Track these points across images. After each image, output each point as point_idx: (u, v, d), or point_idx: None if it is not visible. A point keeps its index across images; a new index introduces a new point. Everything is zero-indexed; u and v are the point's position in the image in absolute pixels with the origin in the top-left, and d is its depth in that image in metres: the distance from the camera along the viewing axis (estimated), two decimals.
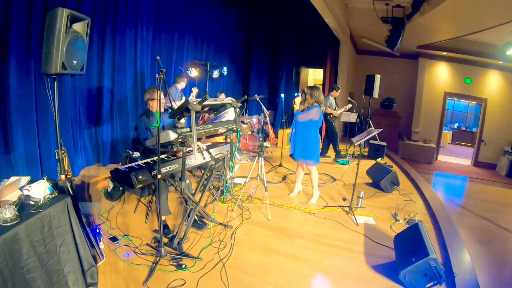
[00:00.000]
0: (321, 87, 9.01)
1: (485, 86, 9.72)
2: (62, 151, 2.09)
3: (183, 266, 2.28)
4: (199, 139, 2.85)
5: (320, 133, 7.88)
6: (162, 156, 2.48)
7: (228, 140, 2.96)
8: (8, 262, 1.46)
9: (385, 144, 6.26)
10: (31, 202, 1.78)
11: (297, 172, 3.95)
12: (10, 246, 1.50)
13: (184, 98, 4.82)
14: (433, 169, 9.88)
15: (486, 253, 3.39)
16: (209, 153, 2.75)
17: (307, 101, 3.49)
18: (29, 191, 1.85)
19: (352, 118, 6.49)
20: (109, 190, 3.41)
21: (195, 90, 5.03)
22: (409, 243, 2.47)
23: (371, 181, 4.65)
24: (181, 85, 4.97)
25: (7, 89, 3.06)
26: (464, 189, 7.84)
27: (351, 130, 9.32)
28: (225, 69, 7.24)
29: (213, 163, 2.77)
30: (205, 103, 2.30)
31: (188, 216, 2.63)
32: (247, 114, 7.73)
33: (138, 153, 3.06)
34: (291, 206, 3.62)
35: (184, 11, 5.67)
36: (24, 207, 1.73)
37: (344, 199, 3.94)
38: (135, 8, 4.57)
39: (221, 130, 2.73)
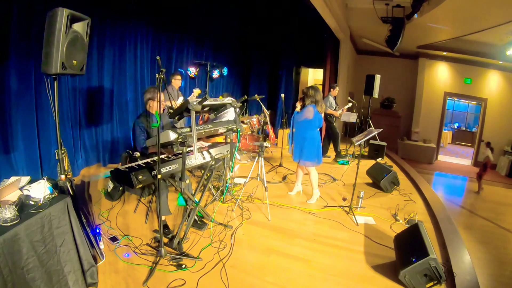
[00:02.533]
0: (321, 87, 9.00)
1: (485, 86, 9.73)
2: (62, 151, 2.09)
3: (183, 266, 2.28)
4: (199, 139, 2.85)
5: (320, 133, 7.91)
6: (162, 156, 2.48)
7: (228, 140, 2.96)
8: (8, 262, 1.46)
9: (385, 144, 6.25)
10: (31, 202, 1.78)
11: (297, 172, 3.95)
12: (10, 246, 1.50)
13: (182, 97, 4.80)
14: (433, 169, 9.89)
15: (486, 253, 3.40)
16: (209, 153, 2.75)
17: (304, 102, 3.50)
18: (29, 191, 1.85)
19: (352, 118, 6.49)
20: (109, 190, 3.41)
21: (196, 91, 4.99)
22: (409, 243, 2.47)
23: (371, 181, 4.65)
24: (176, 83, 4.92)
25: (7, 89, 3.06)
26: (464, 189, 7.85)
27: (351, 130, 9.33)
28: (225, 69, 7.24)
29: (213, 163, 2.77)
30: (205, 103, 2.31)
31: (188, 216, 2.63)
32: (247, 114, 7.73)
33: (138, 153, 3.06)
34: (291, 206, 3.62)
35: (184, 11, 5.67)
36: (24, 207, 1.73)
37: (344, 199, 3.94)
38: (135, 8, 4.57)
39: (221, 130, 2.73)
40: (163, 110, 3.07)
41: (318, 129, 3.58)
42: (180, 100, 4.60)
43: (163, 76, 2.01)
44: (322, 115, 3.56)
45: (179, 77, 4.87)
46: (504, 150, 9.61)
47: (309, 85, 11.97)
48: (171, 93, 4.66)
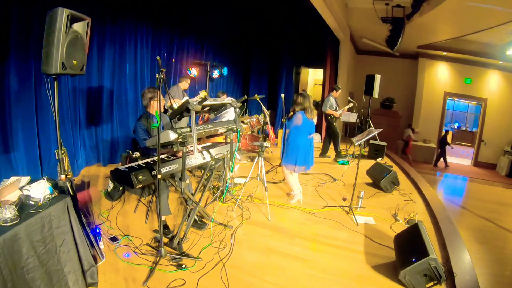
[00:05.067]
0: (321, 87, 9.02)
1: (485, 86, 9.73)
2: (62, 151, 2.09)
3: (183, 266, 2.28)
4: (198, 139, 2.85)
5: (321, 133, 7.92)
6: (162, 156, 2.48)
7: (228, 140, 2.96)
8: (8, 262, 1.46)
9: (385, 144, 6.25)
10: (31, 202, 1.78)
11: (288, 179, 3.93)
12: (10, 246, 1.50)
13: (187, 97, 4.83)
14: (433, 169, 9.90)
15: (486, 253, 3.40)
16: (209, 153, 2.74)
17: (294, 109, 3.50)
18: (29, 191, 1.85)
19: (352, 118, 6.49)
20: (109, 190, 3.41)
21: (203, 93, 5.03)
22: (409, 243, 2.46)
23: (371, 181, 4.65)
24: (184, 85, 4.99)
25: (7, 89, 3.06)
26: (464, 189, 7.85)
27: (351, 130, 9.33)
28: (225, 69, 7.24)
29: (213, 163, 2.77)
30: (205, 103, 2.31)
31: (188, 216, 2.63)
32: (247, 114, 7.73)
33: (138, 153, 3.06)
34: (291, 206, 3.62)
35: (184, 11, 5.67)
36: (24, 207, 1.73)
37: (344, 199, 3.94)
38: (135, 8, 4.57)
39: (221, 130, 2.73)
40: (164, 109, 3.07)
41: (310, 136, 3.53)
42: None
43: (163, 76, 2.01)
44: (314, 120, 3.53)
45: (188, 80, 4.97)
46: (504, 150, 9.61)
47: (309, 85, 11.95)
48: (175, 94, 4.71)
